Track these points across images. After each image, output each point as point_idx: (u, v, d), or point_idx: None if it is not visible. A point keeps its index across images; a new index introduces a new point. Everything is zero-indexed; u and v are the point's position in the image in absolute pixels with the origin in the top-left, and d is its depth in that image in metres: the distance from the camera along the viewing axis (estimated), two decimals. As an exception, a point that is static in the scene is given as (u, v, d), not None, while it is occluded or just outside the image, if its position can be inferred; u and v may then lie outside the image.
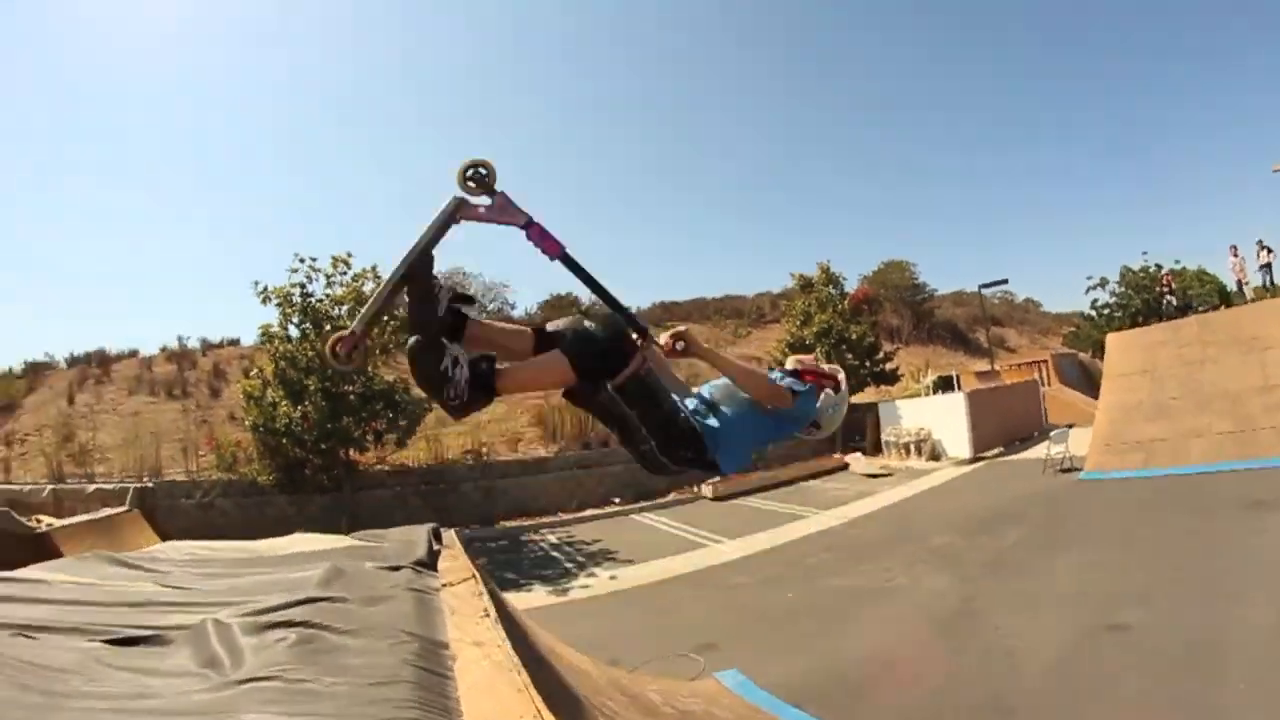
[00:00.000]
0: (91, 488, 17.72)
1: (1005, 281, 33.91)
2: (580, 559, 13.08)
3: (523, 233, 2.29)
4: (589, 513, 17.52)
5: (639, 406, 2.21)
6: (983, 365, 32.23)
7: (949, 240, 79.20)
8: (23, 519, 13.54)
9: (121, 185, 62.89)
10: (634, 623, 9.01)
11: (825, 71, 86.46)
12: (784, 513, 15.27)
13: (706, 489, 18.53)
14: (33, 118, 58.18)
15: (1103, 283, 30.93)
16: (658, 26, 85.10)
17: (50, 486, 18.63)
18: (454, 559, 3.45)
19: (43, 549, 11.78)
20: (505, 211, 2.29)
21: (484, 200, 2.29)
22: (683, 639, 7.58)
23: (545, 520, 17.13)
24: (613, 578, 11.36)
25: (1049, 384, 27.50)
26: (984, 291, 34.86)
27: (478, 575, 3.02)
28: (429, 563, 3.23)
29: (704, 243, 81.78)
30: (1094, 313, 31.50)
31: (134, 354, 31.03)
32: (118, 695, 1.83)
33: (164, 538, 15.06)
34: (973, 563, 9.40)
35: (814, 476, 20.25)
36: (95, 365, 30.02)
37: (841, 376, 2.69)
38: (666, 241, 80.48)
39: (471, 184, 2.26)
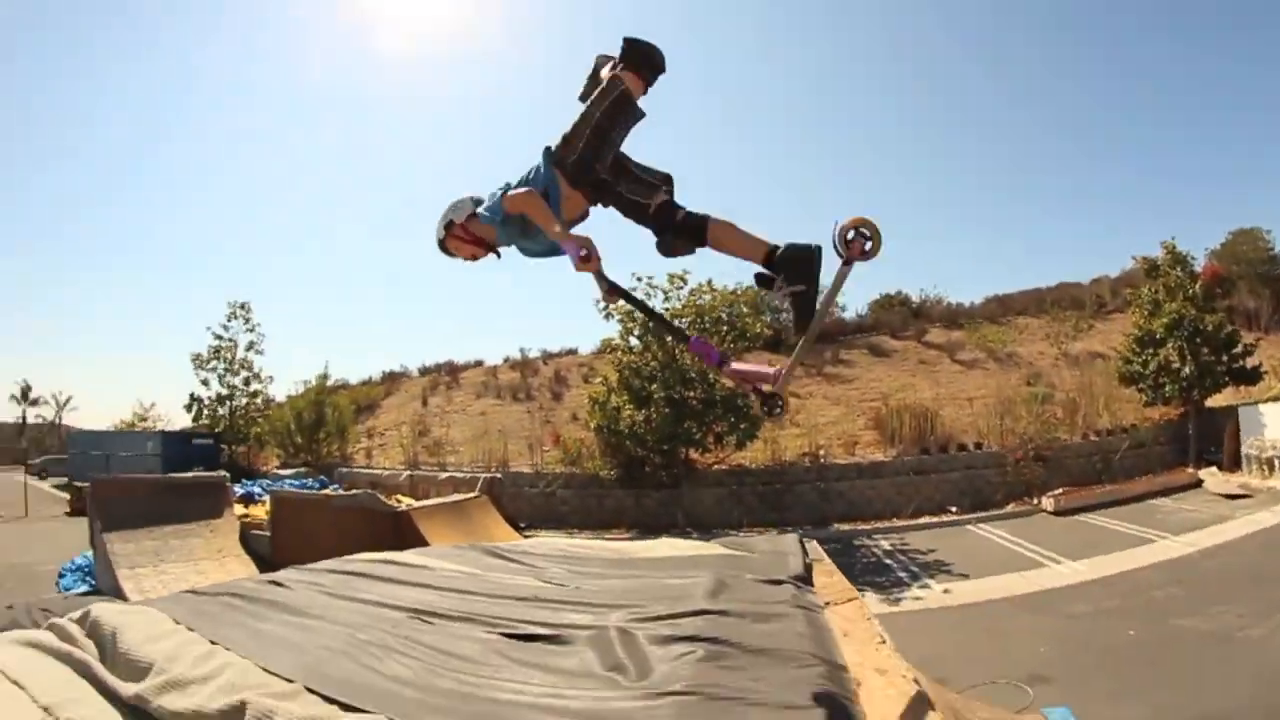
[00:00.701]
0: (444, 475, 20.59)
1: None
2: (914, 569, 13.06)
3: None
4: (924, 520, 17.18)
5: None
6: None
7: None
8: (384, 499, 16.02)
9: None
10: (964, 642, 8.92)
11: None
12: (1129, 534, 14.03)
13: (1047, 502, 17.36)
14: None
15: None
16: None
17: (407, 472, 22.06)
18: (829, 575, 3.40)
19: (402, 526, 13.84)
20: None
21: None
22: (1013, 666, 7.33)
23: (879, 525, 17.16)
24: (946, 591, 11.26)
25: None
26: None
27: (860, 597, 2.96)
28: (806, 577, 3.20)
29: (1031, 228, 75.46)
30: None
31: (479, 364, 35.99)
32: (532, 692, 1.98)
33: (510, 522, 17.00)
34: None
35: (1163, 493, 18.73)
36: (445, 373, 35.19)
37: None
38: (990, 232, 75.47)
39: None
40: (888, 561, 13.90)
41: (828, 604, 2.80)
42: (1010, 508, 17.44)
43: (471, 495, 17.38)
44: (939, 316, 32.80)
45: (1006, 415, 20.66)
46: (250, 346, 32.37)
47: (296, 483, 23.28)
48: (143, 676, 2.14)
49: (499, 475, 19.74)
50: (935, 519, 17.25)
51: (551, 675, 2.16)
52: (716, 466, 19.85)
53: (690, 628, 2.35)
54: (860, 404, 23.94)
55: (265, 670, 2.15)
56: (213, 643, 2.41)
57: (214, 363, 31.83)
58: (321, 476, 24.84)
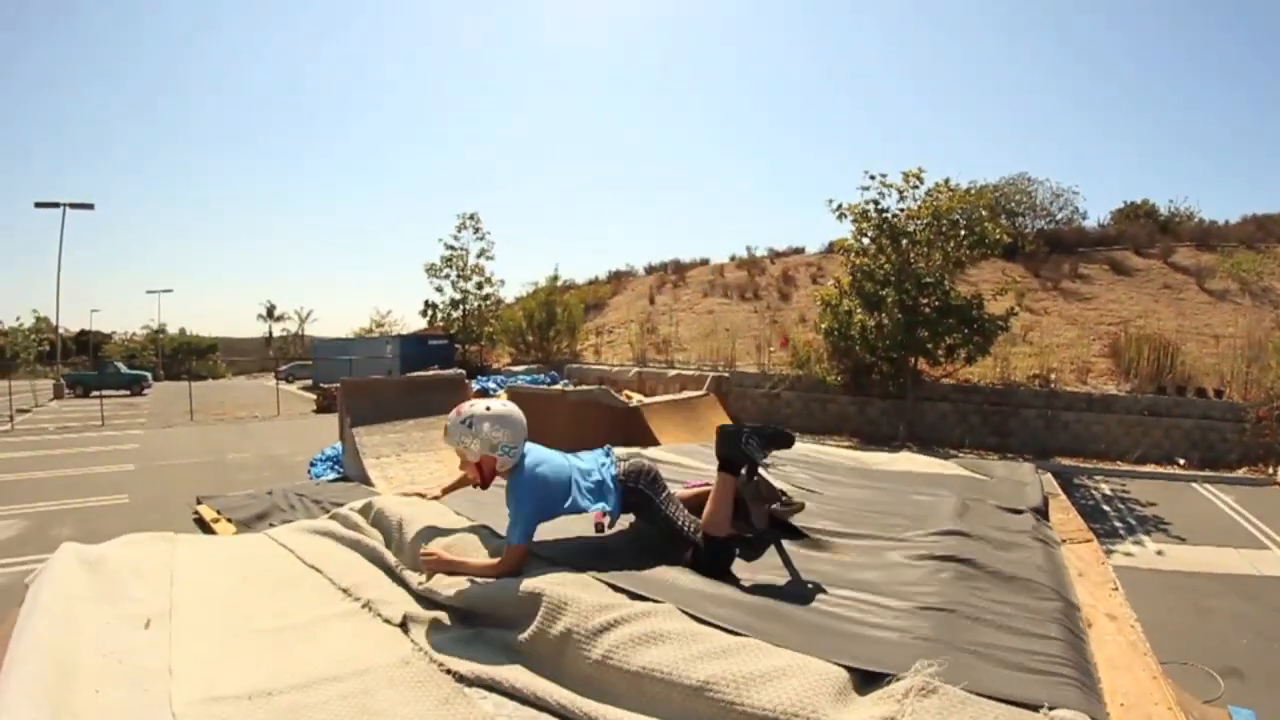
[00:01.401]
0: (671, 372, 20.99)
1: None
2: (1131, 520, 12.12)
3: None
4: (1148, 468, 15.53)
5: None
6: None
7: None
8: (616, 394, 16.67)
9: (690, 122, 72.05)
10: (1166, 612, 8.27)
11: None
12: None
13: (1285, 471, 14.94)
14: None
15: None
16: None
17: (636, 369, 22.73)
18: (1065, 511, 3.39)
19: (633, 421, 14.38)
20: None
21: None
22: (1209, 651, 6.77)
23: (1103, 466, 15.80)
24: (1159, 553, 10.44)
25: None
26: None
27: (1094, 539, 2.98)
28: (1043, 511, 3.21)
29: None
30: None
31: (705, 262, 36.15)
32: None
33: (734, 420, 17.21)
34: None
35: None
36: (671, 272, 35.66)
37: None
38: (1253, 143, 64.42)
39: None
40: (1105, 508, 12.88)
41: (1064, 541, 2.84)
42: (1243, 472, 15.07)
43: (699, 393, 17.75)
44: (1189, 234, 28.34)
45: (1255, 362, 17.64)
46: (481, 254, 34.78)
47: (529, 378, 24.97)
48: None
49: (726, 374, 19.97)
50: (1160, 469, 15.49)
51: (815, 578, 2.33)
52: (944, 380, 18.93)
53: (941, 547, 2.46)
54: (1097, 327, 21.52)
55: (554, 562, 2.39)
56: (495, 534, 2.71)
57: (446, 271, 34.67)
58: (552, 372, 26.45)
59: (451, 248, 34.26)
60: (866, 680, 1.55)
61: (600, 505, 2.57)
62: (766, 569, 2.43)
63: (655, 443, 13.81)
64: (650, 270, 38.15)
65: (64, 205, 33.40)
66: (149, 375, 40.68)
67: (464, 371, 25.76)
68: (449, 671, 1.78)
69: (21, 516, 11.61)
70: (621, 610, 1.87)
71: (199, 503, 11.75)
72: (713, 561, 2.35)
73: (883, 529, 2.74)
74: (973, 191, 18.20)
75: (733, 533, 2.42)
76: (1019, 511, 3.00)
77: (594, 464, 2.71)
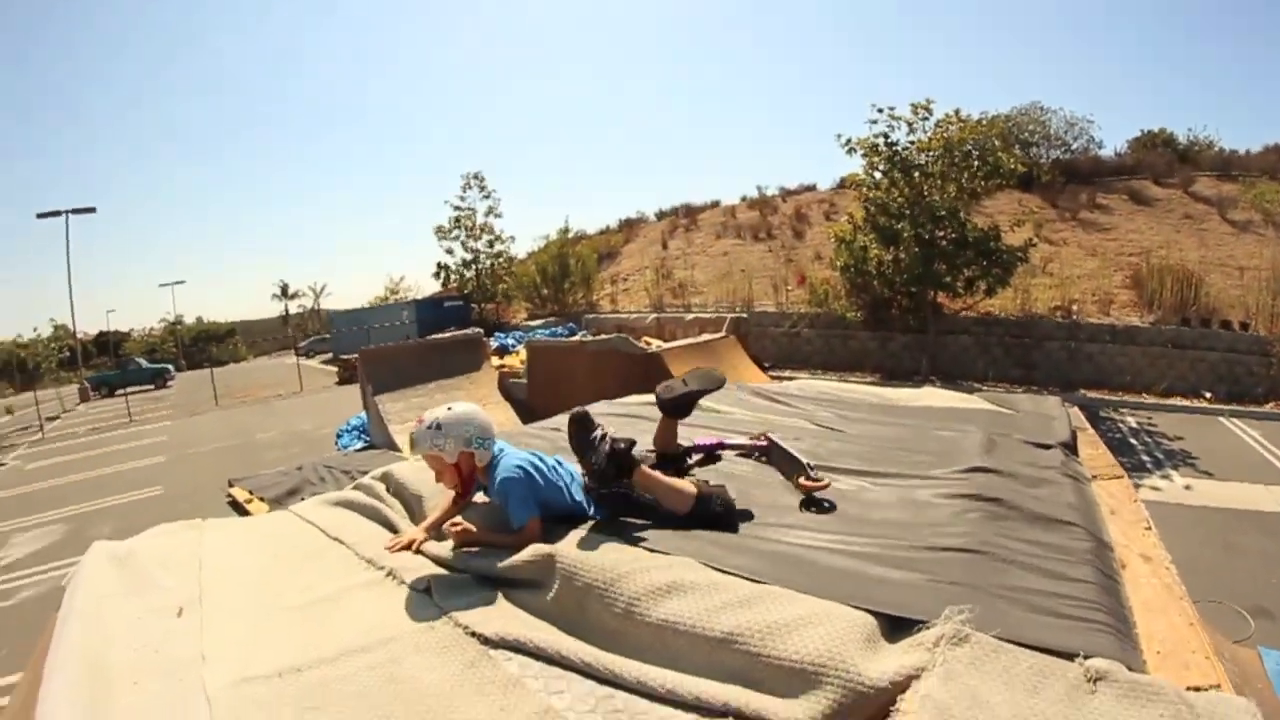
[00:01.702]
0: (689, 316, 20.99)
1: None
2: (1158, 454, 12.04)
3: None
4: (1174, 401, 15.32)
5: None
6: None
7: None
8: (634, 341, 16.71)
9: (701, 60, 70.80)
10: (1194, 548, 8.21)
11: None
12: None
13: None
14: None
15: None
16: None
17: (653, 315, 22.73)
18: (1094, 446, 3.31)
19: (653, 367, 14.44)
20: None
21: None
22: (1238, 590, 6.65)
23: (1128, 398, 15.65)
24: (1187, 488, 10.36)
25: None
26: None
27: (1125, 475, 2.89)
28: (1072, 445, 3.15)
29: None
30: None
31: (716, 204, 35.92)
32: (823, 540, 2.14)
33: (756, 362, 17.28)
34: None
35: None
36: (682, 216, 35.43)
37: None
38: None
39: None
40: (1132, 441, 12.81)
41: (1094, 477, 2.77)
42: (1270, 406, 14.75)
43: (719, 335, 17.76)
44: (1209, 164, 27.44)
45: (1280, 295, 17.36)
46: (489, 212, 35.07)
47: (546, 332, 25.10)
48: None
49: (744, 315, 19.90)
50: (1187, 402, 15.29)
51: (837, 521, 2.32)
52: (965, 313, 18.79)
53: (969, 485, 2.42)
54: (1118, 258, 21.03)
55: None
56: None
57: (455, 232, 34.88)
58: (570, 324, 26.53)
59: (459, 208, 34.47)
60: (895, 626, 1.55)
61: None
62: (786, 513, 2.42)
63: (678, 389, 13.96)
64: (661, 216, 37.90)
65: (66, 212, 33.37)
66: (171, 368, 41.29)
67: (481, 331, 26.00)
68: (473, 634, 1.80)
69: (62, 521, 11.99)
70: (639, 563, 1.88)
71: (231, 485, 12.05)
72: (709, 522, 2.34)
73: (909, 466, 2.71)
74: (984, 122, 17.81)
75: (698, 492, 2.40)
76: (1047, 446, 2.95)
77: (563, 470, 2.67)
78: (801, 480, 2.50)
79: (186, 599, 2.08)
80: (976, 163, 16.56)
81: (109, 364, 47.23)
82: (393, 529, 2.73)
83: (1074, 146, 28.70)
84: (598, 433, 2.47)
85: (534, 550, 2.11)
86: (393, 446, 13.90)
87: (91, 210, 34.35)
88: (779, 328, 21.61)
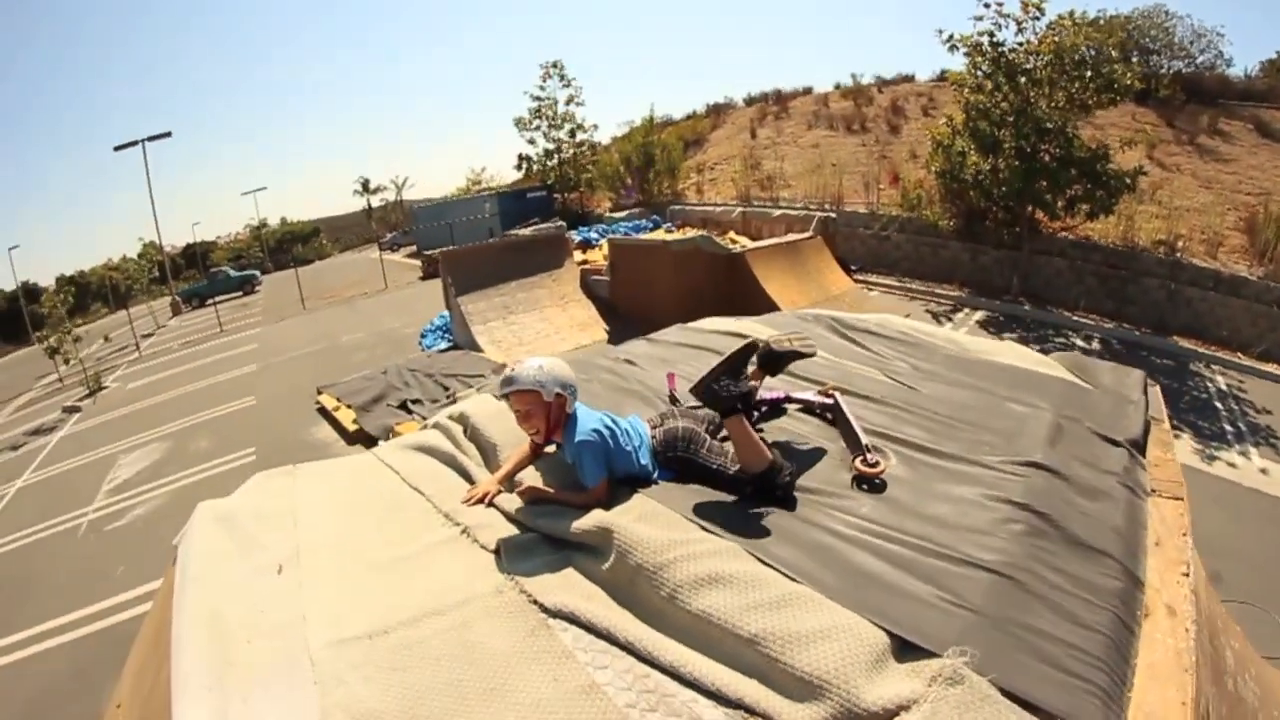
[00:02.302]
0: (776, 212, 20.82)
1: None
2: (1241, 426, 11.44)
3: None
4: (1271, 368, 14.28)
5: None
6: None
7: None
8: (718, 238, 16.72)
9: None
10: (1256, 542, 8.01)
11: None
12: None
13: None
14: None
15: None
16: None
17: (740, 209, 22.57)
18: (1164, 449, 3.12)
19: (738, 268, 14.55)
20: None
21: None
22: None
23: (1221, 355, 14.78)
24: (1264, 471, 9.84)
25: None
26: None
27: (1187, 499, 2.73)
28: (1141, 442, 3.06)
29: None
30: None
31: (808, 91, 34.78)
32: (855, 525, 2.35)
33: (841, 264, 17.17)
34: None
35: None
36: (772, 103, 34.46)
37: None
38: None
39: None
40: (1217, 404, 12.39)
41: (1153, 492, 2.70)
42: None
43: (805, 235, 17.62)
44: None
45: None
46: (569, 100, 34.77)
47: (630, 224, 25.19)
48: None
49: (833, 214, 19.63)
50: None
51: (885, 507, 2.46)
52: (1063, 234, 18.00)
53: (1022, 488, 2.48)
54: (1234, 195, 19.21)
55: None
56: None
57: (536, 122, 34.93)
58: (654, 216, 26.58)
59: (539, 98, 34.40)
60: (906, 645, 1.73)
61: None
62: (837, 489, 2.58)
63: (761, 290, 14.07)
64: (750, 101, 37.00)
65: (143, 141, 34.42)
66: (257, 273, 43.51)
67: (564, 224, 26.37)
68: (535, 603, 2.07)
69: (163, 439, 13.08)
70: (688, 548, 2.09)
71: (319, 393, 12.86)
72: (768, 495, 2.51)
73: (969, 447, 2.80)
74: (1102, 22, 16.51)
75: (773, 461, 2.52)
76: (1115, 443, 2.93)
77: (634, 431, 2.86)
78: (857, 463, 2.63)
79: (285, 556, 2.42)
80: (1090, 73, 15.58)
81: (197, 275, 49.93)
82: (469, 478, 3.01)
83: (1199, 60, 26.46)
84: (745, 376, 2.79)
85: (596, 519, 2.35)
86: (475, 347, 14.54)
87: (167, 135, 35.48)
88: (868, 229, 21.21)
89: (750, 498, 2.52)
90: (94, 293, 51.08)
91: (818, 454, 2.87)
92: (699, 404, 2.91)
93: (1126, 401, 3.42)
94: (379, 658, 1.89)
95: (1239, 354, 14.85)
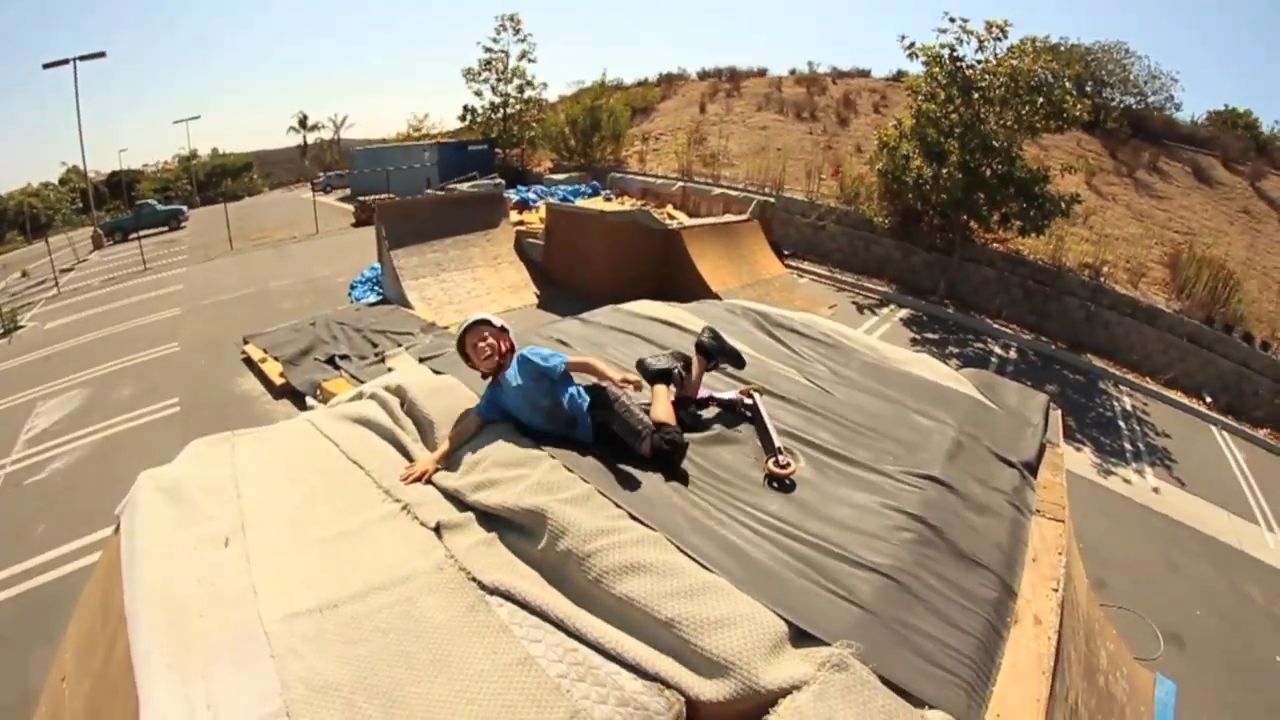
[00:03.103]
0: (716, 191, 21.07)
1: None
2: (1140, 445, 12.34)
3: None
4: (1174, 394, 15.45)
5: None
6: None
7: None
8: (655, 211, 16.86)
9: None
10: (1140, 554, 8.85)
11: None
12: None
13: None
14: None
15: None
16: None
17: (680, 183, 22.78)
18: (1054, 472, 3.41)
19: (672, 243, 14.80)
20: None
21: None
22: (1163, 609, 7.33)
23: (1130, 377, 15.80)
24: (1155, 490, 10.73)
25: None
26: None
27: (1068, 519, 3.05)
28: (1034, 464, 3.36)
29: None
30: None
31: (763, 72, 35.07)
32: (763, 524, 2.61)
33: (775, 248, 17.53)
34: None
35: None
36: (725, 79, 34.58)
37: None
38: None
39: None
40: (1121, 424, 13.18)
41: (1037, 512, 3.00)
42: (1265, 433, 14.54)
43: (742, 217, 17.94)
44: None
45: (1313, 328, 16.74)
46: (522, 56, 34.22)
47: (569, 188, 25.09)
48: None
49: (772, 199, 19.93)
50: (1185, 399, 15.45)
51: (792, 507, 2.72)
52: (994, 245, 18.91)
53: (917, 499, 2.76)
54: (1163, 231, 20.41)
55: (567, 469, 2.86)
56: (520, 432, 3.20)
57: (485, 74, 34.32)
58: (594, 181, 26.52)
59: (490, 50, 33.78)
60: (801, 633, 2.01)
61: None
62: (750, 486, 2.84)
63: (693, 268, 14.35)
64: (704, 76, 37.07)
65: (73, 60, 32.55)
66: (185, 209, 41.45)
67: (503, 183, 26.10)
68: (473, 579, 2.26)
69: (83, 385, 12.50)
70: (614, 536, 2.32)
71: (246, 343, 12.64)
72: (661, 452, 2.89)
73: (874, 455, 3.07)
74: (1062, 49, 17.01)
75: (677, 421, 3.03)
76: (1010, 463, 3.23)
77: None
78: (770, 465, 2.89)
79: (230, 528, 2.54)
80: (1040, 99, 16.11)
81: (122, 207, 47.35)
82: (406, 454, 3.16)
83: (1150, 99, 27.62)
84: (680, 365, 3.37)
85: (531, 499, 2.56)
86: (405, 302, 14.44)
87: (101, 55, 33.65)
88: (805, 218, 21.60)
89: (651, 456, 2.90)
90: (10, 220, 48.59)
91: (734, 447, 3.14)
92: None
93: (1026, 424, 3.73)
94: (331, 631, 2.04)
95: (1147, 378, 15.80)
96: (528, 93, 34.62)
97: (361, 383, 5.87)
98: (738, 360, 3.71)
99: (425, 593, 2.22)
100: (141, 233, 31.79)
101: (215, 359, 12.50)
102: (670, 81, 38.17)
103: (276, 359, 11.46)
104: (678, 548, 2.34)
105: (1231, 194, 23.40)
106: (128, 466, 6.89)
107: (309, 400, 9.59)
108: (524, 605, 2.15)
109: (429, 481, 2.91)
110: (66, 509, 8.35)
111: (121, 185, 57.03)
